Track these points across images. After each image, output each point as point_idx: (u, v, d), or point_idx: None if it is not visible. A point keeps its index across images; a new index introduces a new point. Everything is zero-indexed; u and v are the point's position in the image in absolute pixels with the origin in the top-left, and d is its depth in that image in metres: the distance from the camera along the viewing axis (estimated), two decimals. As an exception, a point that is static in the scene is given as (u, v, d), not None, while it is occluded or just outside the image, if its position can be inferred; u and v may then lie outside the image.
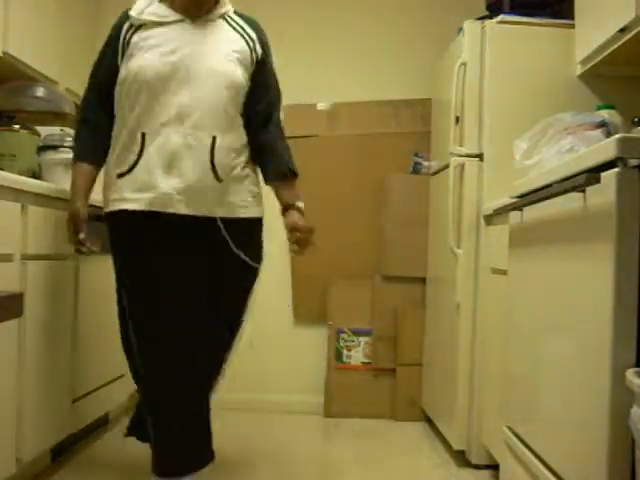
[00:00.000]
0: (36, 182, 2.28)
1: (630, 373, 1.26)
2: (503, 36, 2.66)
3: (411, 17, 3.56)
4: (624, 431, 1.30)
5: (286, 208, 2.16)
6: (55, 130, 2.90)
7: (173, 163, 1.96)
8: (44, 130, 2.85)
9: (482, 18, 2.79)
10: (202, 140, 1.97)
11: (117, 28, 2.06)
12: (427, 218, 3.30)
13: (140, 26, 2.00)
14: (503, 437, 2.10)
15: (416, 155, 3.41)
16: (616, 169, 1.36)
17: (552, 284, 1.71)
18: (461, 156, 2.69)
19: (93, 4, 3.54)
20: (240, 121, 2.09)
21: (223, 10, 2.09)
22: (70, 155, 2.79)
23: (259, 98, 2.13)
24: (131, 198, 1.98)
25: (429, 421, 3.22)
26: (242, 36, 2.10)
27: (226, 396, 3.32)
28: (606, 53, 2.35)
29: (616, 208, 1.35)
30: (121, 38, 2.02)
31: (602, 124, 1.96)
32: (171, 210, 1.97)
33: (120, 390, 3.08)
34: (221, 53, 2.03)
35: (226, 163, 2.01)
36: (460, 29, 2.77)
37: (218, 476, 2.42)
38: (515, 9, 2.74)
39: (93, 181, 2.12)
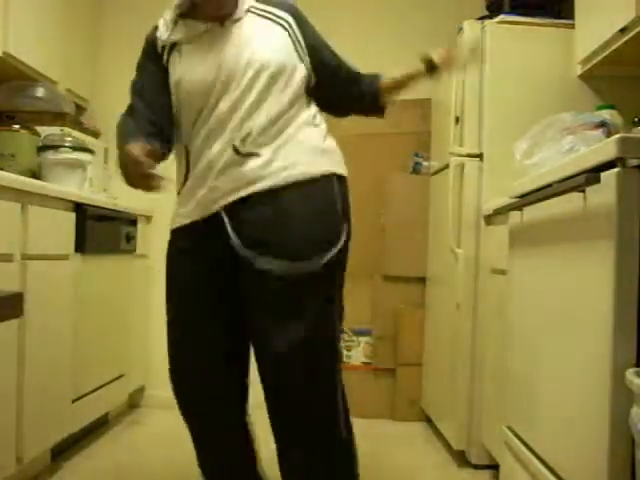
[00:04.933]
0: (36, 182, 2.28)
1: (630, 373, 1.26)
2: (503, 36, 2.66)
3: (411, 17, 3.56)
4: (624, 431, 1.30)
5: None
6: (55, 130, 2.90)
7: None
8: (44, 130, 2.85)
9: (482, 18, 2.79)
10: None
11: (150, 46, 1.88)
12: (427, 218, 3.30)
13: (173, 45, 1.83)
14: (503, 437, 2.10)
15: (416, 155, 3.41)
16: (616, 169, 1.36)
17: (552, 284, 1.70)
18: (461, 156, 2.69)
19: (94, 4, 3.54)
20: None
21: (246, 5, 1.87)
22: (70, 155, 2.81)
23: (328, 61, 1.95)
24: None
25: (429, 421, 3.22)
26: (274, 21, 1.87)
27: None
28: (606, 53, 2.35)
29: (616, 208, 1.35)
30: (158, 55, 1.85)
31: (602, 124, 1.96)
32: None
33: (120, 390, 3.08)
34: (257, 44, 1.81)
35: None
36: (460, 29, 2.77)
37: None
38: (515, 9, 2.74)
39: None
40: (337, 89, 1.98)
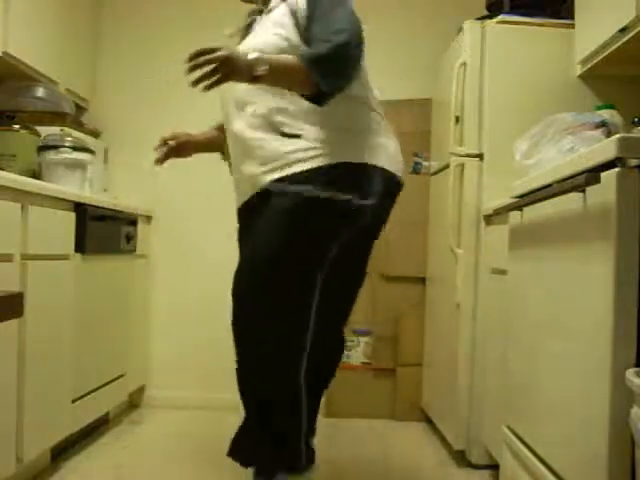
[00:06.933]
0: (36, 182, 2.28)
1: (630, 373, 1.26)
2: (503, 36, 2.66)
3: (411, 17, 3.56)
4: (624, 431, 1.30)
5: None
6: (55, 130, 2.90)
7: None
8: (44, 130, 2.85)
9: (482, 18, 2.79)
10: None
11: None
12: (427, 218, 3.30)
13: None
14: (503, 437, 2.11)
15: (416, 155, 3.41)
16: (616, 169, 1.36)
17: (552, 284, 1.71)
18: (461, 156, 2.70)
19: (94, 4, 3.54)
20: None
21: None
22: (70, 155, 2.81)
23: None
24: None
25: (429, 421, 3.22)
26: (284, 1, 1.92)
27: (226, 397, 3.32)
28: (606, 53, 2.35)
29: (616, 208, 1.35)
30: None
31: (602, 124, 1.96)
32: None
33: (120, 390, 3.08)
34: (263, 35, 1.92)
35: None
36: (460, 29, 2.77)
37: (217, 477, 2.42)
38: (515, 9, 2.74)
39: None
40: None
